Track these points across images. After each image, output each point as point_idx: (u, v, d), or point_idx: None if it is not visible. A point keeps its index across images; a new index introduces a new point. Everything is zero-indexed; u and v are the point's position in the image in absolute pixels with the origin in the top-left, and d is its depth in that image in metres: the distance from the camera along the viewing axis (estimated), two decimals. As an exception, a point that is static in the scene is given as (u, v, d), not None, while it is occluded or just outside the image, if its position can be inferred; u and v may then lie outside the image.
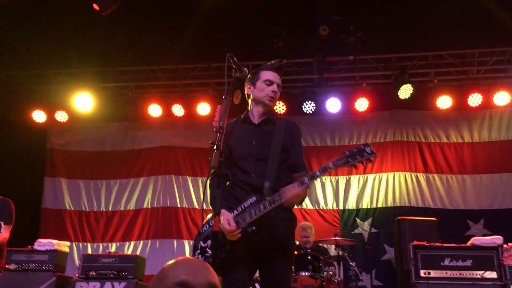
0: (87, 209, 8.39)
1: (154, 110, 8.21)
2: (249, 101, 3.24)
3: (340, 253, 5.85)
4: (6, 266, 5.66)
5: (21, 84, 8.24)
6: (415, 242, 5.23)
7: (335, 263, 5.97)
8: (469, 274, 5.00)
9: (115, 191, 8.44)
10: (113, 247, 7.84)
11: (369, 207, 7.88)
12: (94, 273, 5.63)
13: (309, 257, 5.48)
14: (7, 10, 6.07)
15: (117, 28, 6.65)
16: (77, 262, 5.95)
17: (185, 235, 7.95)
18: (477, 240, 5.25)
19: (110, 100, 8.32)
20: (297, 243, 6.47)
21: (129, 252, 7.78)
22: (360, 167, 2.78)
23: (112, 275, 5.62)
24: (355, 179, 8.02)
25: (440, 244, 5.25)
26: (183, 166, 8.28)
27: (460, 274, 5.00)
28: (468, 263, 5.04)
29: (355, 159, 2.76)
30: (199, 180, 8.20)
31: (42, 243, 5.84)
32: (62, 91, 8.04)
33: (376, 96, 7.95)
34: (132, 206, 8.35)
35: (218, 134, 2.50)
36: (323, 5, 6.63)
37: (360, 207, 7.90)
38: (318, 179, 7.74)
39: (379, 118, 8.20)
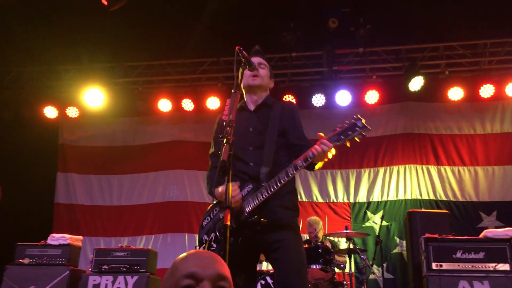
0: (99, 204, 8.46)
1: (164, 105, 8.24)
2: (244, 93, 3.25)
3: (351, 246, 5.85)
4: (20, 260, 5.74)
5: (33, 80, 8.31)
6: (427, 235, 5.20)
7: (346, 256, 5.97)
8: (482, 267, 4.96)
9: (127, 185, 8.50)
10: (125, 241, 7.91)
11: (380, 200, 7.85)
12: (106, 267, 5.68)
13: (320, 250, 5.48)
14: (17, 6, 6.11)
15: (127, 24, 6.68)
16: (89, 256, 5.99)
17: (196, 229, 7.98)
18: (489, 232, 5.20)
19: (120, 96, 8.37)
20: (306, 237, 6.48)
21: (141, 246, 7.84)
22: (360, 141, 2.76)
23: (124, 269, 5.66)
24: (366, 172, 7.99)
25: (452, 237, 5.21)
26: (193, 160, 8.30)
27: (472, 266, 4.97)
28: (481, 255, 5.01)
29: (347, 135, 2.71)
30: (210, 174, 8.21)
31: (55, 238, 5.90)
32: (73, 87, 8.10)
33: (387, 88, 7.90)
34: (143, 200, 8.40)
35: (228, 128, 2.50)
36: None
37: (371, 200, 7.88)
38: (328, 173, 7.83)
39: (390, 110, 8.15)
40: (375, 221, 7.70)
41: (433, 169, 7.84)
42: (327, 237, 6.65)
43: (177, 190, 8.34)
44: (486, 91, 7.59)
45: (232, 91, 2.71)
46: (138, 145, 8.68)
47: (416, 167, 7.87)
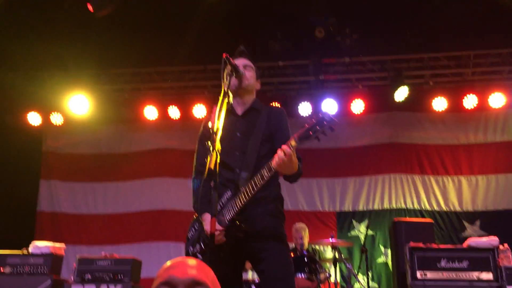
0: (83, 212, 8.36)
1: (150, 112, 8.20)
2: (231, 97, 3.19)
3: (337, 255, 5.85)
4: (1, 269, 5.62)
5: (16, 86, 8.20)
6: (411, 244, 5.23)
7: (331, 265, 5.96)
8: (466, 276, 5.00)
9: (111, 193, 8.42)
10: (109, 250, 7.80)
11: (365, 209, 7.88)
12: (89, 276, 5.60)
13: (306, 259, 5.48)
14: (0, 11, 6.04)
15: (113, 30, 6.64)
16: (72, 265, 5.90)
17: (181, 237, 7.89)
18: (473, 241, 5.25)
19: (106, 102, 8.30)
20: (293, 245, 6.47)
21: (125, 255, 7.74)
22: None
23: (108, 278, 5.58)
24: (352, 181, 8.03)
25: (436, 246, 5.25)
26: (179, 168, 8.25)
27: (456, 275, 5.01)
28: (464, 264, 5.05)
29: (316, 131, 2.64)
30: (196, 182, 8.17)
31: (38, 246, 5.80)
32: (58, 93, 8.00)
33: (372, 98, 7.97)
34: (128, 208, 8.32)
35: (215, 136, 2.48)
36: (318, 7, 6.64)
37: (356, 209, 7.91)
38: (314, 182, 7.83)
39: (375, 120, 8.21)
40: (360, 230, 7.73)
41: (417, 178, 7.91)
42: (312, 246, 6.64)
43: (162, 198, 8.28)
44: (470, 101, 7.70)
45: (219, 98, 2.70)
46: (123, 153, 8.61)
47: (401, 176, 7.93)
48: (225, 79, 2.86)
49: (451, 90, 7.84)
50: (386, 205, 7.85)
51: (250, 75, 3.12)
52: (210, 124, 2.81)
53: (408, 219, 6.90)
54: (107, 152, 8.64)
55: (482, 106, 7.76)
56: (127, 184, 8.43)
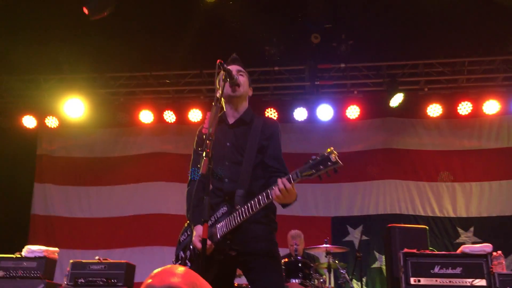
0: (77, 216, 8.33)
1: (146, 116, 8.20)
2: (224, 104, 3.16)
3: (331, 260, 5.85)
4: (-6, 273, 5.59)
5: (11, 90, 8.19)
6: (405, 250, 5.23)
7: (325, 270, 5.96)
8: (459, 282, 5.00)
9: (106, 197, 8.39)
10: (102, 254, 7.76)
11: (360, 214, 7.88)
12: (83, 280, 5.57)
13: (300, 265, 5.47)
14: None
15: (109, 34, 6.64)
16: (66, 269, 5.87)
17: (175, 242, 7.90)
18: (466, 247, 5.26)
19: (101, 106, 8.29)
20: (287, 251, 6.47)
21: (119, 259, 7.71)
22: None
23: (101, 282, 5.56)
24: (346, 187, 8.03)
25: (430, 252, 5.26)
26: (174, 172, 8.24)
27: (450, 281, 5.00)
28: (458, 270, 5.05)
29: (319, 169, 2.62)
30: (190, 186, 8.16)
31: (31, 250, 5.77)
32: (53, 97, 8.00)
33: (367, 103, 8.00)
34: (122, 212, 8.29)
35: (208, 141, 2.48)
36: (315, 13, 6.66)
37: (351, 214, 7.91)
38: (310, 187, 7.82)
39: (370, 125, 8.24)
40: (355, 235, 7.73)
41: (412, 184, 7.93)
42: (306, 251, 6.64)
43: (156, 203, 8.26)
44: (464, 108, 7.74)
45: (213, 103, 2.70)
46: (118, 156, 8.60)
47: (395, 182, 7.95)
48: (218, 85, 2.85)
49: (445, 97, 7.88)
50: (380, 211, 7.86)
51: (243, 81, 3.09)
52: (203, 131, 2.81)
53: (402, 225, 6.91)
54: (101, 155, 8.63)
55: (477, 113, 7.80)
56: (122, 188, 8.41)
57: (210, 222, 2.83)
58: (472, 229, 7.54)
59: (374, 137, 8.19)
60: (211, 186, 2.85)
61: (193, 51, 7.08)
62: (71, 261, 5.84)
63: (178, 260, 2.96)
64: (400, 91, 7.39)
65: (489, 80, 7.74)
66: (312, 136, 8.20)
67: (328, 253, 5.90)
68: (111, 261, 5.86)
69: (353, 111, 7.89)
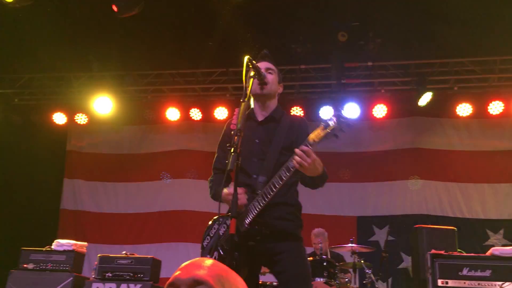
0: (105, 211, 8.48)
1: (172, 114, 8.28)
2: (252, 101, 3.17)
3: (356, 260, 5.80)
4: (24, 265, 5.74)
5: (43, 87, 8.39)
6: (433, 251, 5.15)
7: (351, 270, 5.91)
8: (488, 285, 4.89)
9: (133, 193, 8.52)
10: (129, 249, 7.89)
11: (386, 214, 7.79)
12: (110, 274, 5.66)
13: (325, 264, 5.45)
14: (29, 13, 6.18)
15: (137, 33, 6.73)
16: (94, 263, 5.98)
17: (201, 238, 7.95)
18: (496, 250, 5.14)
19: (129, 104, 8.42)
20: (312, 250, 6.44)
21: (145, 254, 7.82)
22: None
23: (128, 277, 5.64)
24: (373, 186, 7.95)
25: (458, 254, 5.16)
26: (200, 170, 8.31)
27: (478, 284, 4.90)
28: (487, 273, 4.94)
29: (334, 128, 2.60)
30: (215, 184, 8.21)
31: (60, 244, 5.89)
32: (83, 94, 8.16)
33: (395, 102, 7.89)
34: (148, 208, 8.41)
35: (236, 137, 2.49)
36: (342, 11, 6.61)
37: (377, 214, 7.82)
38: (335, 186, 7.76)
39: (398, 124, 8.13)
40: (381, 235, 7.64)
41: (440, 185, 7.79)
42: (331, 251, 6.60)
43: (182, 199, 8.35)
44: (495, 107, 7.56)
45: (241, 100, 2.71)
46: (145, 153, 8.71)
47: (423, 182, 7.82)
48: (247, 82, 2.86)
49: (476, 96, 7.71)
50: (407, 211, 7.74)
51: (272, 78, 3.08)
52: (231, 127, 2.82)
53: (429, 225, 6.80)
54: (128, 152, 8.76)
55: (508, 112, 7.61)
56: (148, 184, 8.53)
57: None
58: (502, 231, 7.36)
59: (402, 136, 8.08)
60: (237, 180, 2.85)
61: (220, 49, 7.11)
62: (99, 255, 5.94)
63: None
64: (428, 90, 7.26)
65: (522, 79, 7.54)
66: (339, 135, 8.10)
67: (353, 252, 5.86)
68: (138, 256, 5.94)
69: (380, 110, 7.80)
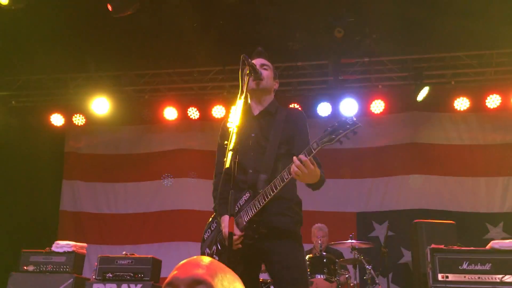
0: (104, 212, 8.47)
1: (170, 113, 8.27)
2: (249, 97, 3.16)
3: (356, 256, 5.81)
4: (24, 267, 5.74)
5: (40, 89, 8.37)
6: (433, 246, 5.15)
7: (351, 266, 5.92)
8: (488, 278, 4.90)
9: (132, 193, 8.52)
10: (129, 249, 7.89)
11: (385, 210, 7.80)
12: (110, 275, 5.67)
13: (325, 260, 5.46)
14: (24, 14, 6.16)
15: (133, 32, 6.71)
16: (94, 264, 5.98)
17: (201, 238, 7.96)
18: (496, 243, 5.15)
19: (126, 104, 8.41)
20: (312, 246, 6.45)
21: (145, 254, 7.82)
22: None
23: (128, 277, 5.65)
24: (372, 182, 7.95)
25: (458, 248, 5.17)
26: (198, 169, 8.30)
27: (478, 278, 4.91)
28: (487, 267, 4.95)
29: (338, 134, 2.57)
30: (214, 182, 8.22)
31: (60, 245, 5.90)
32: (80, 95, 8.15)
33: (392, 98, 7.89)
34: (148, 208, 8.41)
35: (233, 135, 2.50)
36: (338, 7, 6.60)
37: (376, 210, 7.83)
38: (334, 182, 7.77)
39: (396, 120, 8.13)
40: (381, 231, 7.65)
41: (439, 179, 7.80)
42: (330, 246, 6.61)
43: (181, 199, 8.35)
44: (493, 101, 7.56)
45: (238, 98, 2.71)
46: (143, 153, 8.70)
47: (422, 177, 7.82)
48: (243, 79, 2.87)
49: (473, 90, 7.71)
50: (407, 206, 7.75)
51: (267, 74, 3.11)
52: (228, 124, 2.83)
53: (429, 220, 6.81)
54: (127, 152, 8.75)
55: (505, 106, 7.61)
56: (147, 184, 8.52)
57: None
58: (501, 224, 7.37)
59: (400, 131, 8.08)
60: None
61: (216, 48, 7.10)
62: (99, 256, 5.94)
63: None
64: (426, 84, 7.26)
65: (518, 72, 7.54)
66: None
67: (353, 248, 5.86)
68: (138, 256, 5.94)
69: (377, 106, 7.80)
